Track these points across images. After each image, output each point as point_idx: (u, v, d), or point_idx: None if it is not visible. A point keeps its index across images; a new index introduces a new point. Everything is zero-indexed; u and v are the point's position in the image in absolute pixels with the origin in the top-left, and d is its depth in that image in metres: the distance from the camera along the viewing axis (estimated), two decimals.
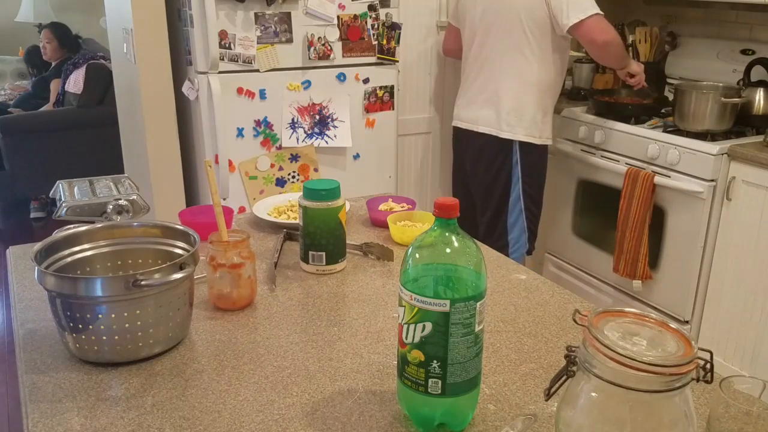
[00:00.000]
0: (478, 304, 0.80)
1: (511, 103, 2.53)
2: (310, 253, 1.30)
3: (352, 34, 2.59)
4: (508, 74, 2.53)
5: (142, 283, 0.93)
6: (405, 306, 0.81)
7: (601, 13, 2.38)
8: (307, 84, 2.58)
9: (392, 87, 2.74)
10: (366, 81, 2.67)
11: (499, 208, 2.65)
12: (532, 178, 2.62)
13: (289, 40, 2.51)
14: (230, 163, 2.53)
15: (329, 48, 2.56)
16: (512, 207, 2.64)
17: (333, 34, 2.56)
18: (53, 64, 4.75)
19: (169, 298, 0.98)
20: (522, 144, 2.56)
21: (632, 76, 2.63)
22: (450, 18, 2.86)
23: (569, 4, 2.35)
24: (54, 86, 4.64)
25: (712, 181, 2.34)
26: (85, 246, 1.09)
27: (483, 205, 2.70)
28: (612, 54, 2.49)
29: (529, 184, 2.61)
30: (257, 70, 2.49)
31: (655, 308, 2.61)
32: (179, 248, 1.10)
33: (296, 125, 2.60)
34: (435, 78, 3.11)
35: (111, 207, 1.31)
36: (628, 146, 2.61)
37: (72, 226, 1.12)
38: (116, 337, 0.95)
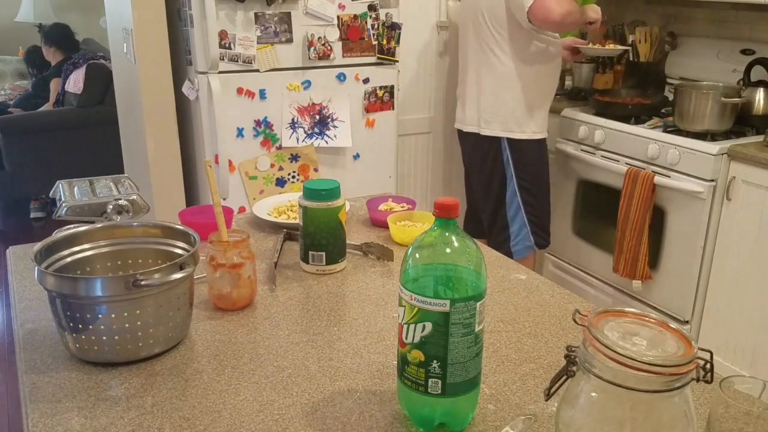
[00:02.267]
0: (478, 304, 0.80)
1: (488, 100, 2.57)
2: (310, 253, 1.30)
3: (352, 34, 2.59)
4: (484, 73, 2.57)
5: (142, 283, 0.93)
6: (405, 306, 0.81)
7: None
8: (307, 84, 2.58)
9: (392, 87, 2.74)
10: (366, 81, 2.67)
11: (497, 203, 2.69)
12: (526, 172, 2.63)
13: (289, 40, 2.51)
14: (230, 163, 2.53)
15: (329, 48, 2.56)
16: (509, 202, 2.66)
17: (333, 34, 2.56)
18: (53, 64, 4.75)
19: (169, 298, 0.98)
20: (509, 140, 2.58)
21: (591, 23, 2.57)
22: None
23: None
24: (54, 86, 4.64)
25: (712, 181, 2.34)
26: (85, 246, 1.09)
27: (483, 202, 2.75)
28: (570, 23, 2.43)
29: (524, 178, 2.63)
30: (257, 70, 2.49)
31: (655, 308, 2.61)
32: (179, 248, 1.10)
33: (296, 125, 2.60)
34: (435, 78, 3.11)
35: (111, 207, 1.31)
36: (628, 146, 2.61)
37: (72, 226, 1.12)
38: (116, 337, 0.95)
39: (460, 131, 2.75)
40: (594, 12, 2.55)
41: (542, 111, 2.63)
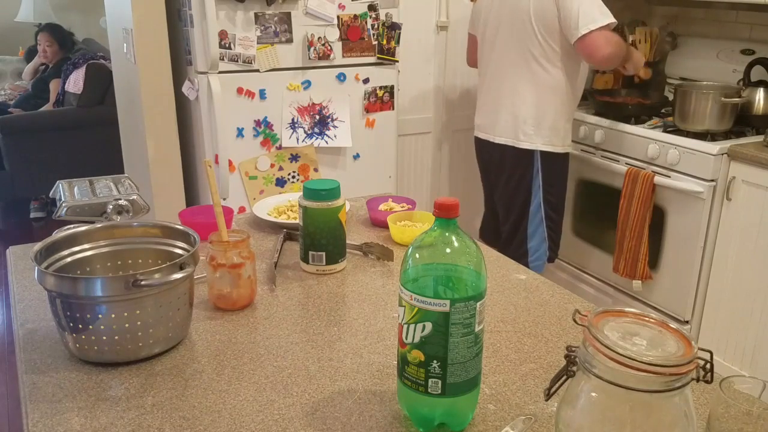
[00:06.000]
0: (478, 304, 0.80)
1: (529, 111, 2.45)
2: (310, 253, 1.30)
3: (352, 34, 2.59)
4: (523, 81, 2.45)
5: (142, 283, 0.93)
6: (405, 306, 0.81)
7: (613, 21, 2.25)
8: (307, 84, 2.58)
9: (392, 87, 2.74)
10: (366, 81, 2.67)
11: (519, 216, 2.59)
12: (553, 186, 2.54)
13: (289, 40, 2.51)
14: (230, 163, 2.53)
15: (329, 48, 2.56)
16: (533, 216, 2.56)
17: (333, 34, 2.56)
18: (51, 63, 4.76)
19: (169, 298, 0.98)
20: (543, 153, 2.47)
21: (624, 67, 2.53)
22: (469, 27, 2.76)
23: (580, 13, 2.24)
24: (54, 86, 4.64)
25: (712, 181, 2.35)
26: (85, 246, 1.09)
27: (504, 213, 2.65)
28: (611, 64, 2.41)
29: (551, 192, 2.54)
30: (257, 70, 2.49)
31: (655, 308, 2.61)
32: (179, 248, 1.10)
33: (296, 125, 2.60)
34: (435, 78, 3.11)
35: (111, 207, 1.31)
36: (628, 146, 2.61)
37: (72, 226, 1.12)
38: (116, 337, 0.95)
39: (485, 141, 2.62)
40: (636, 60, 2.50)
41: (572, 123, 2.57)
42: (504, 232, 2.67)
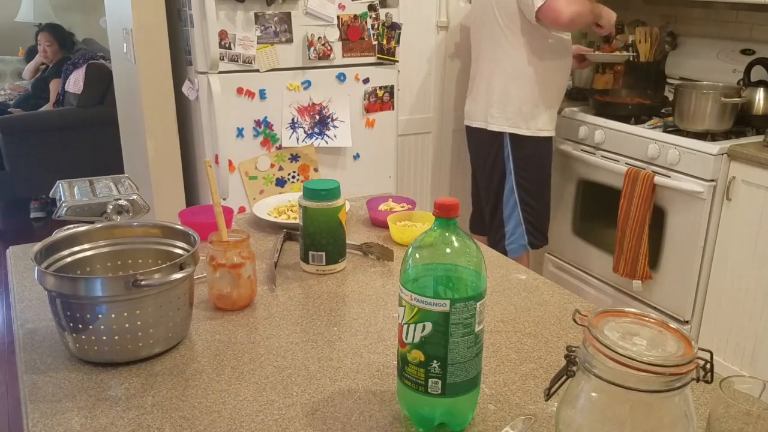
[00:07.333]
0: (478, 304, 0.80)
1: (496, 95, 2.59)
2: (310, 253, 1.30)
3: (352, 34, 2.59)
4: (493, 68, 2.60)
5: (142, 283, 0.93)
6: (405, 306, 0.81)
7: None
8: (307, 84, 2.58)
9: (392, 87, 2.74)
10: (366, 81, 2.67)
11: (495, 200, 2.71)
12: (526, 171, 2.64)
13: (289, 40, 2.51)
14: (230, 163, 2.53)
15: (329, 48, 2.56)
16: (506, 199, 2.68)
17: (333, 34, 2.56)
18: (51, 63, 4.76)
19: (169, 298, 0.98)
20: (512, 136, 2.60)
21: (599, 26, 2.55)
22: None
23: None
24: (54, 86, 4.64)
25: (712, 181, 2.34)
26: (85, 246, 1.09)
27: (485, 198, 2.78)
28: (579, 24, 2.48)
29: (523, 176, 2.64)
30: (257, 70, 2.49)
31: (655, 308, 2.61)
32: (179, 248, 1.10)
33: (296, 125, 2.60)
34: (435, 78, 3.11)
35: (111, 207, 1.31)
36: (628, 146, 2.61)
37: (72, 226, 1.12)
38: (116, 337, 0.95)
39: (467, 127, 2.78)
40: (606, 15, 2.52)
41: (550, 108, 2.64)
42: (486, 216, 2.81)
